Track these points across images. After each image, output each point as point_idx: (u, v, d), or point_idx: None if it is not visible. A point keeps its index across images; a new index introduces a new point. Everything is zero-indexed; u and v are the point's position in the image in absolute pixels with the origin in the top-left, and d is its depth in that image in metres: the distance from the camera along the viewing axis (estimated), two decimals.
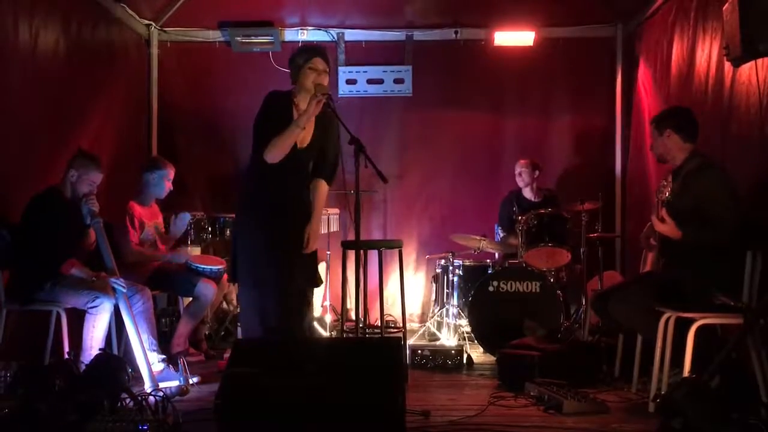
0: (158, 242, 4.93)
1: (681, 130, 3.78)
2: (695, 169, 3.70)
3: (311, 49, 3.77)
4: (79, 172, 4.06)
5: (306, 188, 3.84)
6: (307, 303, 3.85)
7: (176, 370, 3.98)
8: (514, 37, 6.32)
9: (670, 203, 3.69)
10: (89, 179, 4.08)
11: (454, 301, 5.42)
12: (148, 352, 3.95)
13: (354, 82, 6.44)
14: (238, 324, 5.30)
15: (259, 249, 3.64)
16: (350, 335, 4.77)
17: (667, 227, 3.63)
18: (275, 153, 3.60)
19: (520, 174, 5.91)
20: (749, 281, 3.34)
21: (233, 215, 5.43)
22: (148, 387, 3.74)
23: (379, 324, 5.08)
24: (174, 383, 3.84)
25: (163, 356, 4.10)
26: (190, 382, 3.98)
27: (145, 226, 4.81)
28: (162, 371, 3.99)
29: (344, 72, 6.42)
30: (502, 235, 5.88)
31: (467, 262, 5.61)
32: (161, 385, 3.78)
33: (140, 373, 3.84)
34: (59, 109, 4.70)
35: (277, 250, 3.63)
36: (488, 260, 5.71)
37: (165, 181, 4.91)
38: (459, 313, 5.40)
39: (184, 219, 5.00)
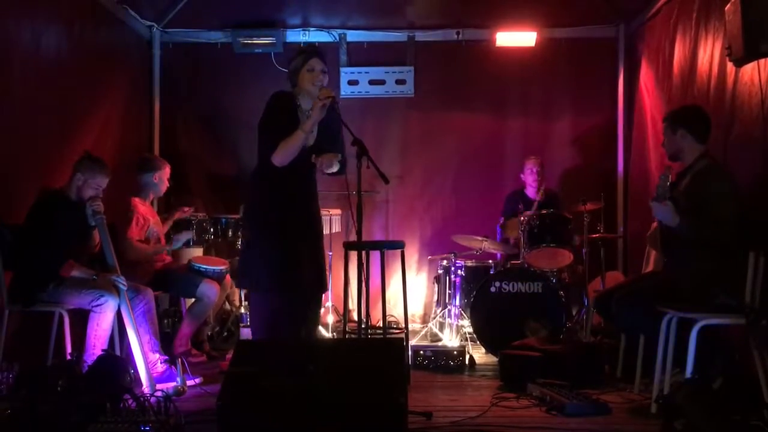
0: (162, 239, 4.93)
1: (695, 131, 3.77)
2: (703, 171, 3.68)
3: (308, 51, 3.80)
4: (86, 176, 4.05)
5: (314, 188, 3.85)
6: (316, 306, 3.86)
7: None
8: (516, 38, 6.32)
9: (676, 201, 3.68)
10: (95, 183, 4.08)
11: (456, 301, 5.42)
12: (149, 353, 3.97)
13: (356, 82, 6.45)
14: (241, 325, 5.32)
15: (268, 252, 3.64)
16: (352, 336, 4.77)
17: (665, 209, 3.57)
18: (283, 157, 3.62)
19: (533, 172, 5.91)
20: (751, 282, 3.33)
21: (235, 216, 5.46)
22: (145, 387, 3.75)
23: (381, 325, 5.07)
24: (171, 384, 3.84)
25: (166, 357, 4.11)
26: (188, 382, 3.97)
27: (149, 222, 4.81)
28: (164, 372, 4.00)
29: (346, 73, 6.43)
30: (502, 221, 5.87)
31: (469, 263, 5.62)
32: (158, 385, 3.78)
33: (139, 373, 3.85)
34: (62, 110, 4.70)
35: (286, 253, 3.62)
36: (490, 261, 5.71)
37: (164, 179, 4.93)
38: (461, 314, 5.40)
39: (181, 240, 4.97)
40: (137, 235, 4.70)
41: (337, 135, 3.82)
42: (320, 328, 5.30)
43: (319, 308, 3.98)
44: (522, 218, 5.28)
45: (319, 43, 6.34)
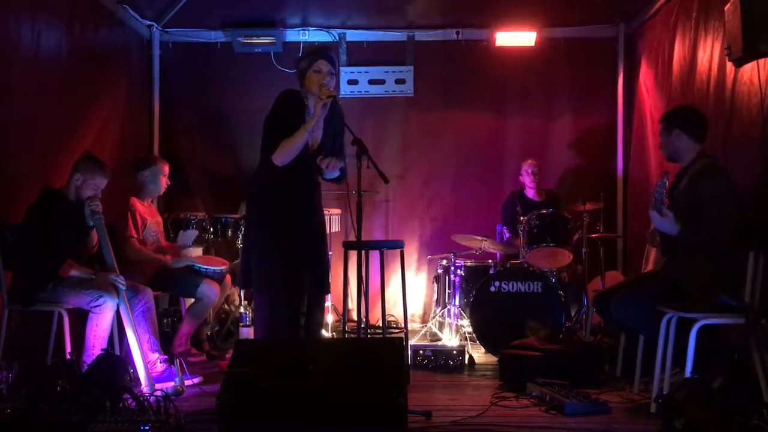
0: (161, 240, 4.92)
1: (690, 130, 3.76)
2: (702, 171, 3.68)
3: (315, 52, 3.77)
4: (85, 177, 4.05)
5: (317, 189, 3.85)
6: (320, 307, 3.86)
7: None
8: (516, 38, 6.33)
9: (676, 201, 3.68)
10: (94, 183, 4.07)
11: (456, 301, 5.42)
12: (148, 353, 3.97)
13: (356, 82, 6.45)
14: (241, 325, 5.32)
15: (269, 252, 3.63)
16: (352, 336, 4.78)
17: (665, 220, 3.58)
18: (284, 157, 3.60)
19: (529, 173, 5.92)
20: (751, 281, 3.33)
21: (235, 215, 5.46)
22: (144, 387, 3.75)
23: (381, 324, 5.08)
24: (170, 383, 3.84)
25: (165, 356, 4.11)
26: (187, 382, 3.97)
27: (147, 222, 4.80)
28: (163, 372, 4.00)
29: (346, 72, 6.42)
30: (507, 236, 5.88)
31: (469, 263, 5.62)
32: (158, 385, 3.78)
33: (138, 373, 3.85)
34: (61, 110, 4.70)
35: (288, 253, 3.62)
36: (490, 260, 5.71)
37: (160, 177, 4.90)
38: (460, 314, 5.40)
39: (190, 236, 4.93)
40: (134, 235, 4.69)
41: (341, 136, 3.80)
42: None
43: (323, 309, 3.97)
44: (521, 219, 5.28)
45: (319, 42, 6.35)
